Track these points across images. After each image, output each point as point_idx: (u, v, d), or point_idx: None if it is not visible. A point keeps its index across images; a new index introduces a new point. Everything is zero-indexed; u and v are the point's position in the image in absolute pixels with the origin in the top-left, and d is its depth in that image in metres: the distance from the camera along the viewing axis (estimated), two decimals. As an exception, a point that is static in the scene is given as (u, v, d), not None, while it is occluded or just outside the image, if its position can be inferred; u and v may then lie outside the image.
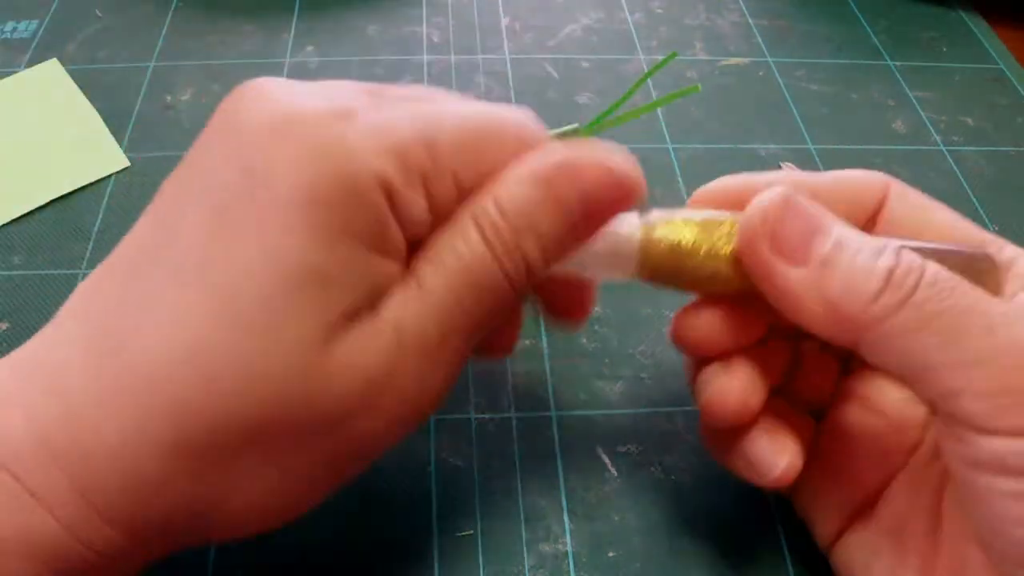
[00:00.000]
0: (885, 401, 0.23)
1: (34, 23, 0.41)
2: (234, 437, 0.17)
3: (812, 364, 0.23)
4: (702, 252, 0.20)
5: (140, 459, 0.16)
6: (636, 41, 0.42)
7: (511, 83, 0.39)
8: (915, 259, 0.18)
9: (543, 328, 0.30)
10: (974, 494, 0.18)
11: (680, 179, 0.36)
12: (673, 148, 0.37)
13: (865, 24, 0.44)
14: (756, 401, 0.21)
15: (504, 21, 0.43)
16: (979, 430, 0.17)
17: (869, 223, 0.22)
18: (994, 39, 0.44)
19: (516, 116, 0.19)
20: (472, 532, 0.25)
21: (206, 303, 0.16)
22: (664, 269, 0.21)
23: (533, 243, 0.18)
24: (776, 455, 0.21)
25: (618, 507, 0.26)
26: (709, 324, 0.21)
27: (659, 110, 0.38)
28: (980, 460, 0.17)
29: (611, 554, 0.25)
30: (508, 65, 0.40)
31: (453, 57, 0.41)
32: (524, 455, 0.27)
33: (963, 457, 0.18)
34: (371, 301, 0.18)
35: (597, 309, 0.31)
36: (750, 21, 0.44)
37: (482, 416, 0.28)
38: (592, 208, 0.19)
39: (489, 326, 0.19)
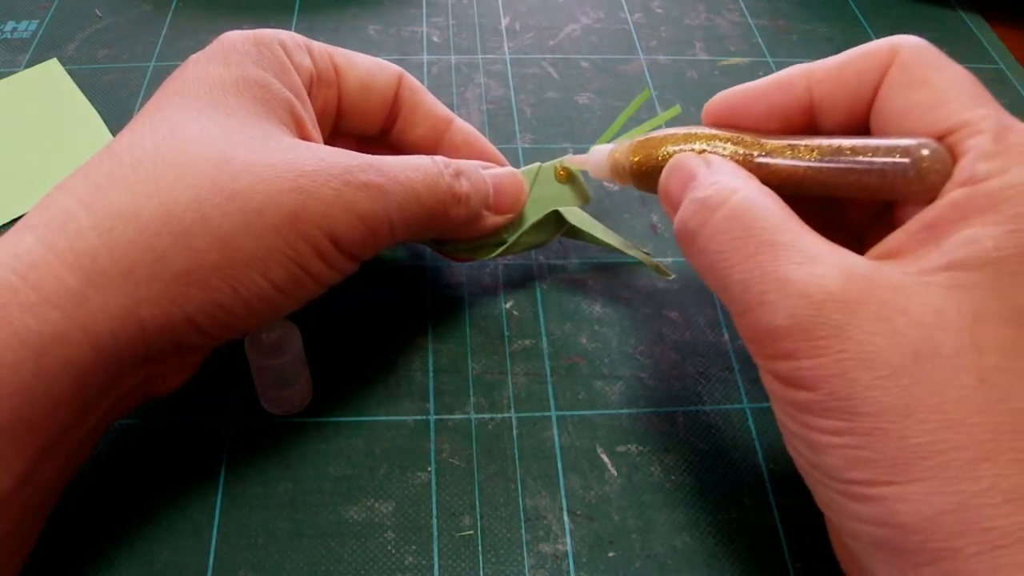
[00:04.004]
0: None
1: (34, 23, 0.41)
2: (199, 169, 0.22)
3: None
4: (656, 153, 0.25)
5: (106, 196, 0.21)
6: (636, 41, 0.42)
7: (511, 83, 0.39)
8: (722, 195, 0.21)
9: (543, 328, 0.30)
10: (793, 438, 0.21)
11: (680, 179, 0.36)
12: (673, 148, 0.37)
13: (865, 24, 0.44)
14: None
15: (504, 21, 0.43)
16: (759, 358, 0.21)
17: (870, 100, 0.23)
18: (994, 39, 0.44)
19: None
20: (472, 532, 0.25)
21: (172, 108, 0.23)
22: (635, 165, 0.25)
23: (464, 180, 0.27)
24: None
25: (618, 507, 0.26)
26: None
27: (659, 110, 0.38)
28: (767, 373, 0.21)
29: (611, 554, 0.25)
30: (508, 65, 0.40)
31: (453, 57, 0.41)
32: (524, 455, 0.27)
33: (766, 374, 0.21)
34: (289, 117, 0.25)
35: (597, 309, 0.31)
36: (750, 21, 0.44)
37: (482, 416, 0.28)
38: (498, 189, 0.29)
39: (426, 224, 0.26)
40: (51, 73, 0.38)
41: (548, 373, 0.29)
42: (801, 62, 0.23)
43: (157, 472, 0.25)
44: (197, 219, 0.21)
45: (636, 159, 0.25)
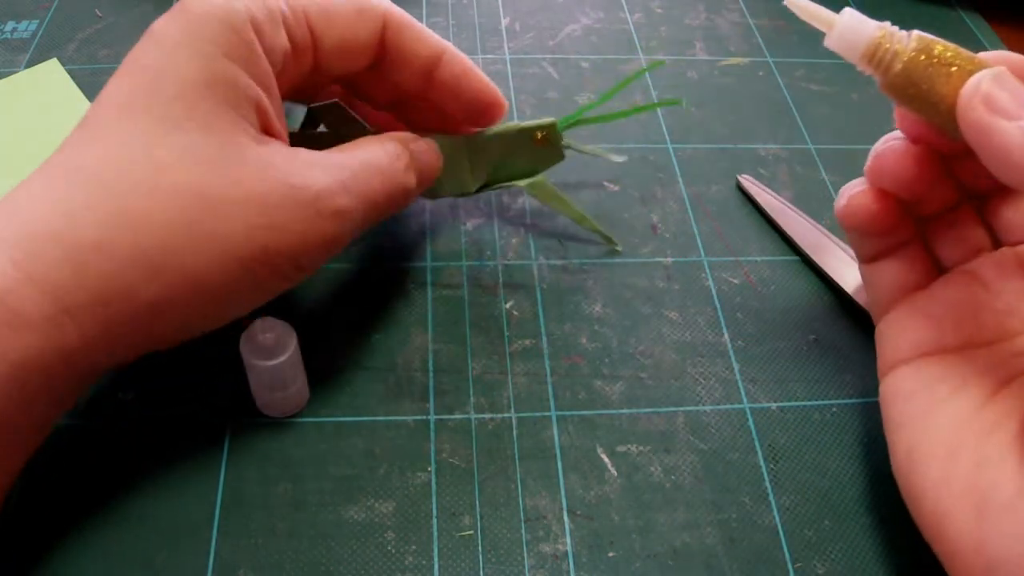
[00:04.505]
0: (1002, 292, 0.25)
1: (34, 23, 0.41)
2: (172, 203, 0.21)
3: (964, 230, 0.26)
4: (942, 66, 0.22)
5: (77, 224, 0.21)
6: (636, 41, 0.42)
7: (511, 83, 0.39)
8: None
9: (543, 328, 0.30)
10: None
11: (680, 179, 0.36)
12: (673, 148, 0.37)
13: (865, 24, 0.44)
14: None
15: (504, 21, 0.43)
16: None
17: None
18: (994, 39, 0.44)
19: None
20: (472, 532, 0.25)
21: (133, 120, 0.22)
22: (905, 73, 0.23)
23: (412, 174, 0.27)
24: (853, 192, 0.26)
25: (618, 507, 0.26)
26: (913, 157, 0.25)
27: (659, 110, 0.38)
28: None
29: (611, 554, 0.25)
30: (508, 65, 0.40)
31: (453, 57, 0.41)
32: (524, 455, 0.27)
33: None
34: (261, 120, 0.24)
35: (597, 309, 0.31)
36: (750, 21, 0.44)
37: (482, 416, 0.28)
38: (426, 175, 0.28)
39: (383, 208, 0.26)
40: (51, 73, 0.38)
41: (548, 373, 0.29)
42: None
43: (157, 472, 0.25)
44: (169, 257, 0.21)
45: (922, 56, 0.22)
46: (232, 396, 0.27)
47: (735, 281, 0.32)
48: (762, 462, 0.27)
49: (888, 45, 0.23)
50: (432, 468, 0.26)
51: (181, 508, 0.25)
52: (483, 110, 0.29)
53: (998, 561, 0.20)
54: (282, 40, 0.25)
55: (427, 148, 0.28)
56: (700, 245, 0.33)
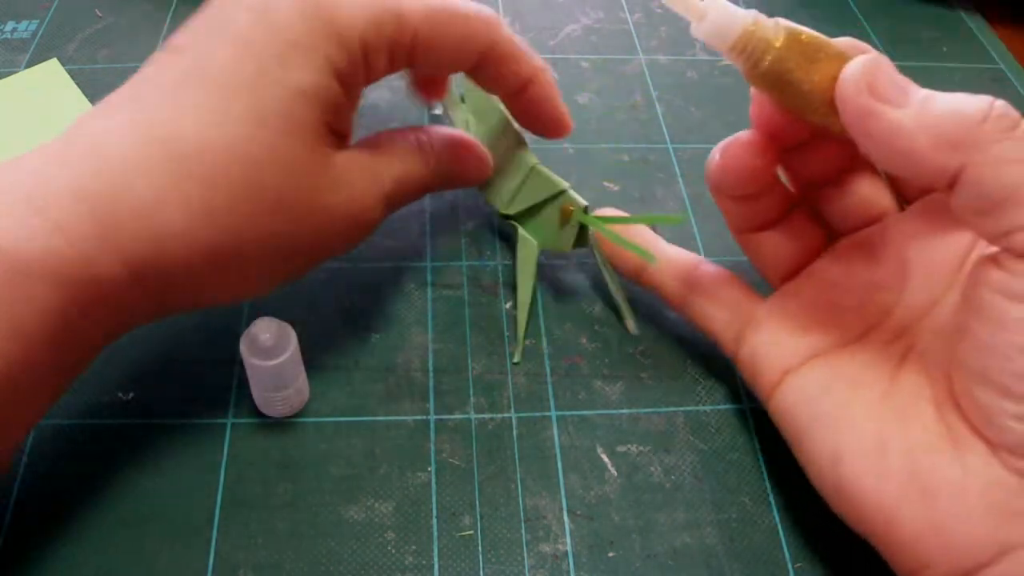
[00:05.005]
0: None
1: (34, 23, 0.41)
2: (255, 204, 0.22)
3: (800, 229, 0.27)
4: (814, 56, 0.22)
5: (168, 212, 0.21)
6: (636, 41, 0.42)
7: (511, 83, 0.39)
8: (1009, 107, 0.20)
9: (543, 328, 0.30)
10: (999, 326, 0.20)
11: (680, 179, 0.36)
12: (673, 148, 0.37)
13: (865, 24, 0.44)
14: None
15: (504, 21, 0.43)
16: None
17: None
18: (994, 39, 0.44)
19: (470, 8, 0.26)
20: (472, 532, 0.25)
21: (239, 110, 0.22)
22: (776, 62, 0.23)
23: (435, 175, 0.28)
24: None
25: (618, 507, 0.26)
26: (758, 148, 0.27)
27: (659, 110, 0.38)
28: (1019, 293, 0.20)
29: (611, 554, 0.25)
30: (508, 65, 0.40)
31: (453, 57, 0.41)
32: (524, 455, 0.27)
33: (1005, 289, 0.20)
34: (339, 127, 0.24)
35: (597, 309, 0.31)
36: (750, 21, 0.44)
37: (482, 416, 0.28)
38: (458, 163, 0.29)
39: (407, 199, 0.27)
40: (51, 73, 0.38)
41: (548, 373, 0.29)
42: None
43: (157, 472, 0.25)
44: (236, 250, 0.23)
45: (793, 44, 0.22)
46: (232, 396, 0.27)
47: (735, 281, 0.32)
48: (762, 462, 0.27)
49: (760, 34, 0.22)
50: (432, 468, 0.26)
51: (181, 508, 0.25)
52: (549, 133, 0.29)
53: (962, 542, 0.20)
54: (381, 66, 0.25)
55: (471, 150, 0.29)
56: (700, 245, 0.33)
